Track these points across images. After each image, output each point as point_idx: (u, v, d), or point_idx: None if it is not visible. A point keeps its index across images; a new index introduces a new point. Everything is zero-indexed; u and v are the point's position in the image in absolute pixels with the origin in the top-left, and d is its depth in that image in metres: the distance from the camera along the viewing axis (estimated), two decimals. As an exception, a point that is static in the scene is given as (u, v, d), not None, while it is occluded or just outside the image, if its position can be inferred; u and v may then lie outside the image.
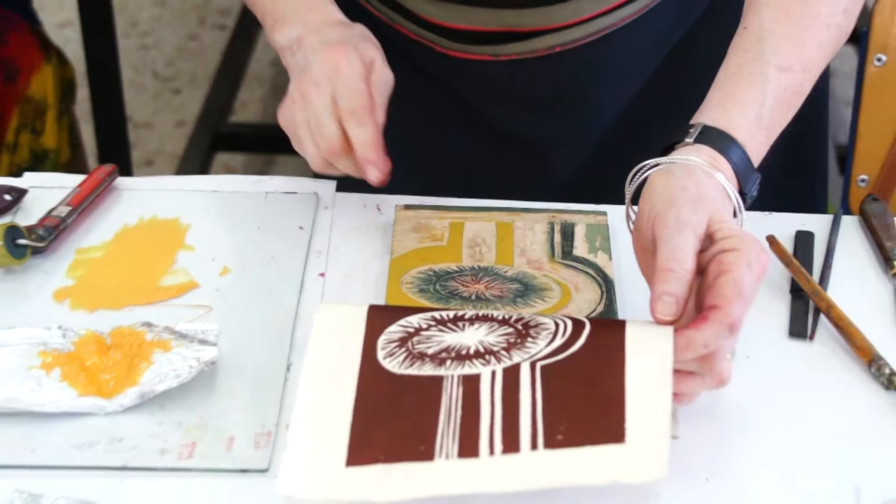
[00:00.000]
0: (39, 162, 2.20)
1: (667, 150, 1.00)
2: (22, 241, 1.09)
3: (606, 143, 1.29)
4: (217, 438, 0.94)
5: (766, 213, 1.16)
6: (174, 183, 1.24)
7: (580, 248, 1.12)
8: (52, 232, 1.11)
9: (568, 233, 1.14)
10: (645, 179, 0.98)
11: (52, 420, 0.95)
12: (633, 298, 1.06)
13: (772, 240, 1.12)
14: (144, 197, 1.20)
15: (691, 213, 0.93)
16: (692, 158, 0.97)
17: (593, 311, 1.05)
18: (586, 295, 1.07)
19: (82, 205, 1.15)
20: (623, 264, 1.10)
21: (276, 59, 3.16)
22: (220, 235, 1.15)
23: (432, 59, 1.23)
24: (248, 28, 2.96)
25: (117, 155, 2.35)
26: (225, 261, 1.12)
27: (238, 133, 2.82)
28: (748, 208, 0.99)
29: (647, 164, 0.99)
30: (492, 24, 1.19)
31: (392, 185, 1.21)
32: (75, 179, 1.22)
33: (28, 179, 1.21)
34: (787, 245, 1.13)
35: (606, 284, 1.08)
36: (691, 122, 1.00)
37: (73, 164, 2.29)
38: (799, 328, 1.05)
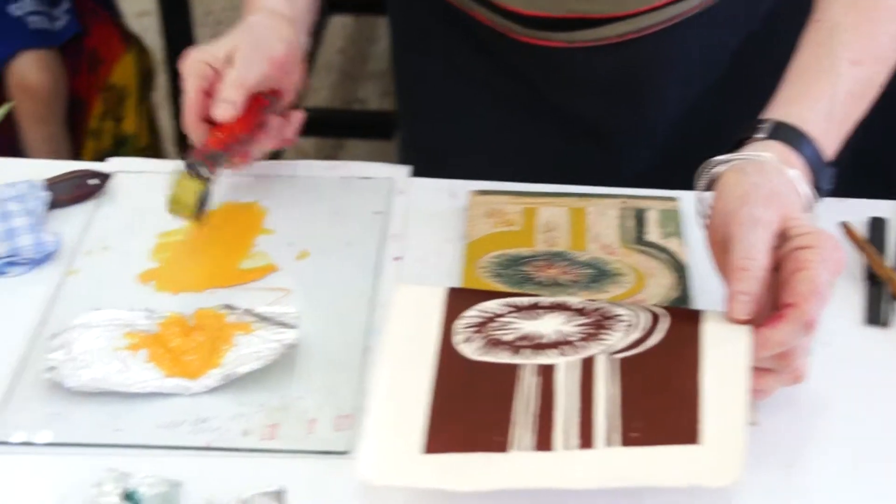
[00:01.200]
0: (120, 147, 2.25)
1: (737, 146, 1.00)
2: (206, 200, 1.10)
3: (675, 133, 1.30)
4: (298, 420, 0.97)
5: (840, 199, 1.16)
6: (252, 168, 1.26)
7: (653, 234, 1.13)
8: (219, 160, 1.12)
9: (640, 218, 1.15)
10: (715, 175, 0.98)
11: (139, 400, 0.98)
12: (706, 283, 1.07)
13: (846, 226, 1.12)
14: (223, 181, 1.22)
15: (764, 210, 0.93)
16: (764, 154, 0.97)
17: (667, 297, 1.06)
18: (660, 280, 1.07)
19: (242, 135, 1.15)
20: (696, 249, 1.10)
21: (343, 46, 3.20)
22: (298, 220, 1.17)
23: (506, 45, 1.24)
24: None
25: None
26: (302, 245, 1.14)
27: (309, 118, 2.83)
28: (820, 199, 0.99)
29: (718, 159, 0.99)
30: (563, 10, 1.20)
31: (464, 169, 1.23)
32: (158, 164, 1.25)
33: (112, 164, 1.23)
34: (862, 231, 1.13)
35: (680, 270, 1.08)
36: (762, 116, 1.00)
37: (152, 148, 2.34)
38: (875, 315, 1.05)
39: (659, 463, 0.85)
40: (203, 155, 1.10)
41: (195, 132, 1.12)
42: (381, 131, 2.72)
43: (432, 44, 1.32)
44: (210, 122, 1.12)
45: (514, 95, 1.30)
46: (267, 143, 1.18)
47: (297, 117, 1.21)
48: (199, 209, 1.10)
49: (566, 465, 0.86)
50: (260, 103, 1.16)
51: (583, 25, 1.21)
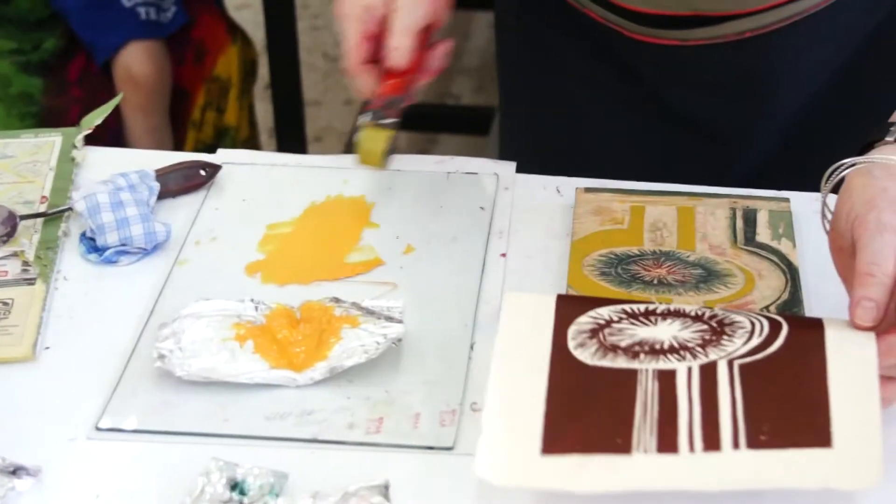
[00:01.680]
0: (221, 138, 2.27)
1: (865, 149, 0.98)
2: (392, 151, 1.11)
3: (790, 132, 1.27)
4: (404, 415, 0.96)
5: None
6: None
7: (763, 235, 1.11)
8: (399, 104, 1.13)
9: (750, 219, 1.13)
10: (842, 178, 0.97)
11: (246, 391, 0.98)
12: (818, 287, 1.05)
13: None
14: (331, 175, 1.22)
15: (893, 215, 0.91)
16: (893, 158, 0.95)
17: (778, 299, 1.04)
18: (770, 282, 1.06)
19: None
20: (807, 252, 1.09)
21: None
22: (404, 214, 1.17)
23: (619, 43, 1.23)
24: (415, 10, 2.99)
25: (292, 132, 2.41)
26: (409, 239, 1.14)
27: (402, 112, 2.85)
28: None
29: (845, 163, 0.97)
30: (682, 8, 1.18)
31: (573, 164, 1.22)
32: (266, 156, 1.26)
33: (221, 156, 1.25)
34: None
35: (791, 272, 1.07)
36: (892, 119, 0.98)
37: (251, 141, 2.36)
38: None
39: (790, 465, 0.83)
40: (382, 103, 1.11)
41: (361, 76, 1.12)
42: (475, 126, 2.73)
43: (540, 39, 1.32)
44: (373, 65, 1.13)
45: (623, 92, 1.28)
46: (422, 78, 1.17)
47: (444, 47, 1.19)
48: (387, 157, 1.12)
49: (692, 467, 0.84)
50: (421, 41, 1.16)
51: (702, 23, 1.19)
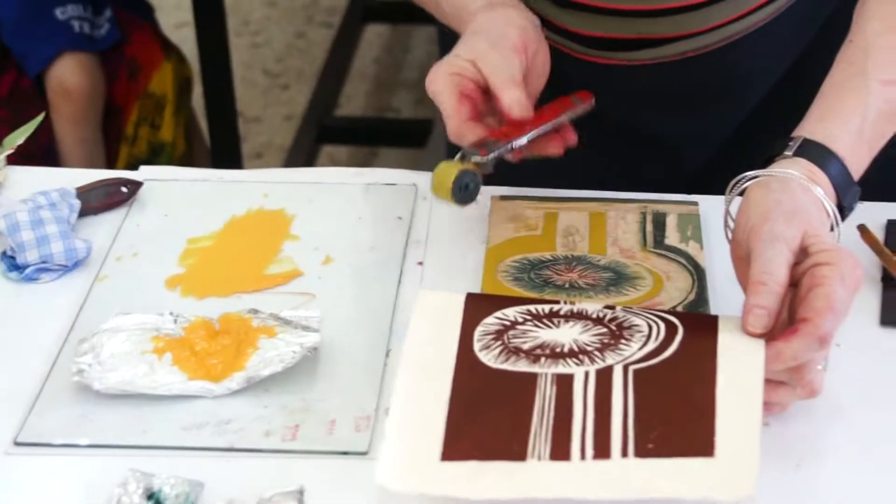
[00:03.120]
0: (156, 154, 2.29)
1: (767, 163, 1.01)
2: (470, 185, 1.08)
3: (735, 140, 1.31)
4: (319, 421, 0.98)
5: (859, 202, 1.16)
6: (280, 175, 1.29)
7: (672, 238, 1.14)
8: (493, 146, 1.09)
9: (660, 222, 1.16)
10: (742, 190, 1.00)
11: (164, 403, 1.00)
12: (724, 287, 1.08)
13: (863, 228, 1.13)
14: (252, 189, 1.24)
15: (785, 226, 0.95)
16: (790, 172, 0.98)
17: (685, 300, 1.07)
18: (678, 283, 1.09)
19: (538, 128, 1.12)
20: (715, 253, 1.12)
21: (378, 55, 3.23)
22: (324, 226, 1.19)
23: (566, 63, 1.25)
24: (352, 26, 3.02)
25: (228, 148, 2.42)
26: (328, 250, 1.16)
27: (343, 126, 2.88)
28: (846, 217, 1.00)
29: (747, 175, 1.00)
30: (626, 31, 1.21)
31: (515, 178, 1.23)
32: (189, 172, 1.27)
33: (144, 172, 1.26)
34: (879, 234, 1.14)
35: (698, 273, 1.10)
36: (792, 134, 1.02)
37: (189, 156, 2.38)
38: (890, 316, 1.06)
39: (673, 475, 0.86)
40: (477, 143, 1.09)
41: (470, 133, 1.10)
42: (415, 139, 2.75)
43: None
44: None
45: None
46: (551, 148, 1.14)
47: (570, 137, 1.15)
48: (462, 193, 1.08)
49: (582, 475, 0.87)
50: (563, 104, 1.15)
51: (645, 45, 1.23)
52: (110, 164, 2.28)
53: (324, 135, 2.75)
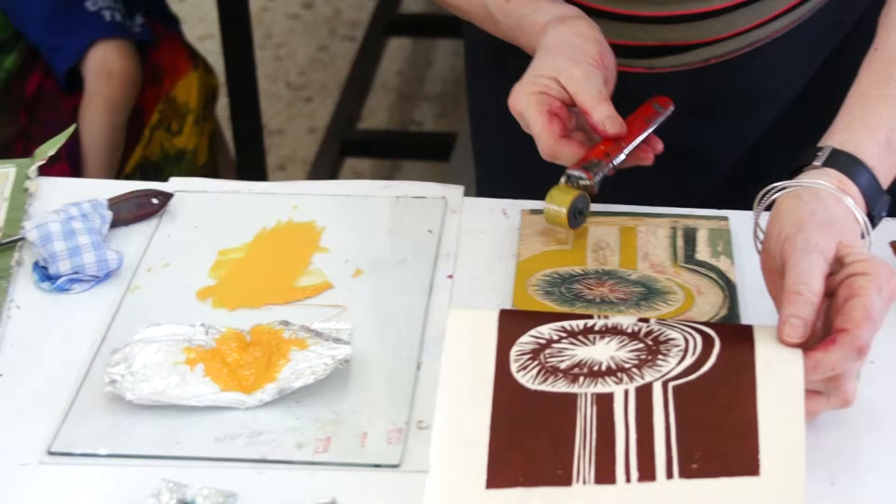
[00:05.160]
0: (176, 161, 2.31)
1: (795, 173, 1.01)
2: (583, 209, 1.12)
3: (758, 150, 1.31)
4: (351, 434, 0.99)
5: (891, 218, 1.16)
6: (309, 188, 1.29)
7: (702, 253, 1.14)
8: (597, 168, 1.11)
9: (690, 237, 1.16)
10: (772, 201, 1.00)
11: (196, 413, 1.00)
12: (755, 301, 1.08)
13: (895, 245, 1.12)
14: (281, 201, 1.25)
15: (820, 237, 0.95)
16: (820, 182, 0.98)
17: (716, 315, 1.07)
18: (709, 298, 1.09)
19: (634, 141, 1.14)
20: (745, 268, 1.11)
21: (401, 68, 3.24)
22: (353, 238, 1.20)
23: None
24: (375, 39, 3.03)
25: (253, 161, 2.43)
26: (358, 262, 1.16)
27: (366, 139, 2.89)
28: (876, 227, 1.00)
29: (775, 186, 1.00)
30: (648, 38, 1.22)
31: (541, 191, 1.24)
32: (218, 184, 1.28)
33: (174, 184, 1.26)
34: (912, 250, 1.14)
35: (729, 288, 1.10)
36: (819, 144, 1.02)
37: (211, 166, 2.39)
38: (923, 332, 1.06)
39: (720, 496, 0.86)
40: (581, 165, 1.11)
41: (564, 149, 1.11)
42: (438, 153, 2.75)
43: (509, 65, 1.34)
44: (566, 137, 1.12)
45: None
46: (643, 159, 1.15)
47: (657, 145, 1.17)
48: (576, 217, 1.12)
49: (628, 498, 0.87)
50: (647, 113, 1.16)
51: (667, 52, 1.23)
52: (123, 163, 2.30)
53: (347, 148, 2.76)
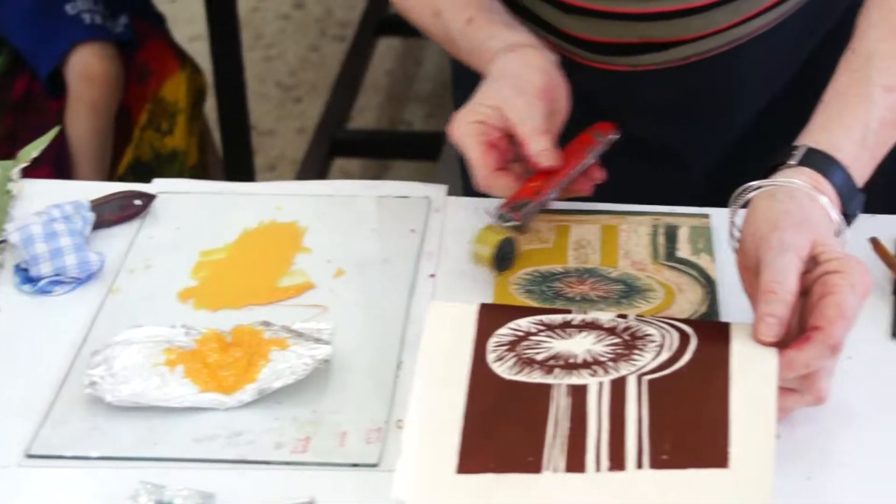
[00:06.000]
0: (168, 162, 2.31)
1: (771, 171, 1.01)
2: (509, 252, 1.11)
3: (740, 148, 1.31)
4: (330, 433, 0.98)
5: (870, 215, 1.16)
6: (293, 188, 1.29)
7: (683, 250, 1.14)
8: (525, 208, 1.11)
9: (671, 235, 1.16)
10: (747, 200, 1.00)
11: (176, 415, 1.00)
12: (735, 299, 1.07)
13: (875, 242, 1.13)
14: (264, 201, 1.24)
15: (794, 235, 0.95)
16: (795, 181, 0.99)
17: (696, 312, 1.07)
18: (689, 296, 1.09)
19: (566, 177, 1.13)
20: (726, 265, 1.11)
21: (391, 68, 3.24)
22: (336, 238, 1.20)
23: (571, 69, 1.26)
24: (365, 39, 3.03)
25: (241, 161, 2.43)
26: (340, 262, 1.16)
27: (355, 139, 2.89)
28: (851, 225, 1.00)
29: (751, 185, 1.01)
30: (629, 35, 1.22)
31: None
32: (201, 185, 1.27)
33: (157, 185, 1.26)
34: (890, 247, 1.14)
35: (709, 285, 1.10)
36: (795, 143, 1.02)
37: (201, 166, 2.40)
38: (902, 329, 1.06)
39: (687, 487, 0.86)
40: (510, 205, 1.11)
41: (497, 184, 1.11)
42: (427, 152, 2.75)
43: None
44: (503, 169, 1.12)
45: (579, 116, 1.31)
46: (581, 191, 1.16)
47: (597, 175, 1.17)
48: (502, 259, 1.11)
49: (598, 487, 0.87)
50: (586, 143, 1.16)
51: (649, 50, 1.23)
52: (114, 166, 2.30)
53: (336, 148, 2.76)
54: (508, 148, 1.13)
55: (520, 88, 1.12)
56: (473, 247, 1.11)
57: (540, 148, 1.10)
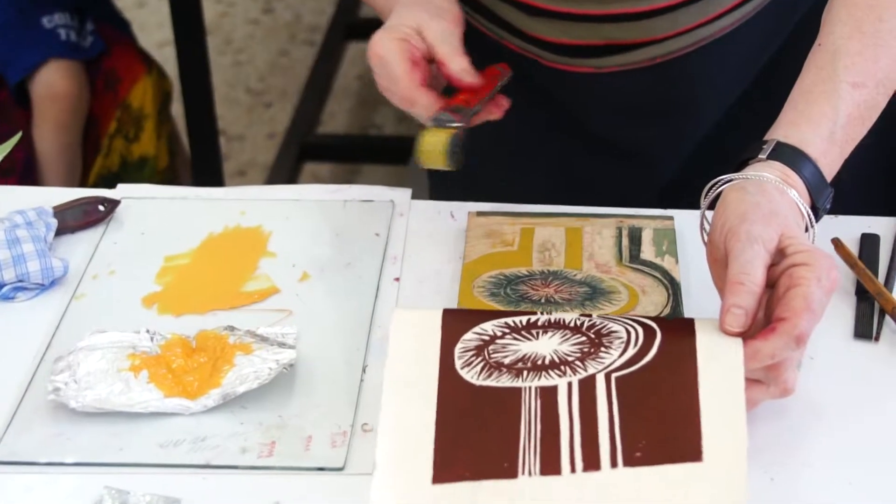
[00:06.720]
0: (138, 168, 2.31)
1: (741, 166, 1.02)
2: (458, 150, 1.10)
3: (705, 149, 1.32)
4: (295, 438, 0.98)
5: (833, 216, 1.17)
6: (258, 193, 1.29)
7: (647, 252, 1.14)
8: (463, 112, 1.11)
9: (636, 237, 1.16)
10: (718, 193, 1.00)
11: (140, 420, 1.00)
12: (699, 300, 1.08)
13: (837, 242, 1.13)
14: (230, 206, 1.24)
15: (763, 228, 0.95)
16: (765, 174, 0.99)
17: (660, 314, 1.07)
18: (653, 297, 1.09)
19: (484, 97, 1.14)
20: (690, 267, 1.12)
21: (361, 72, 3.24)
22: (301, 242, 1.20)
23: (537, 71, 1.26)
24: (335, 44, 3.03)
25: (210, 166, 2.42)
26: (304, 266, 1.16)
27: (325, 144, 2.89)
28: (820, 219, 1.01)
29: (722, 178, 1.01)
30: (593, 37, 1.22)
31: (493, 192, 1.24)
32: (166, 190, 1.27)
33: (121, 191, 1.26)
34: (853, 247, 1.15)
35: (673, 287, 1.10)
36: (765, 138, 1.03)
37: (171, 170, 2.39)
38: (864, 329, 1.07)
39: (663, 483, 0.87)
40: (448, 108, 1.11)
41: (421, 98, 1.11)
42: (398, 156, 2.75)
43: None
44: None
45: (546, 118, 1.31)
46: (494, 113, 1.16)
47: (504, 102, 1.17)
48: (453, 157, 1.10)
49: (574, 488, 0.87)
50: (493, 73, 1.17)
51: (613, 51, 1.23)
52: (84, 175, 2.29)
53: (306, 152, 2.76)
54: (427, 69, 1.14)
55: (434, 13, 1.14)
56: (421, 147, 1.10)
57: (461, 67, 1.12)
